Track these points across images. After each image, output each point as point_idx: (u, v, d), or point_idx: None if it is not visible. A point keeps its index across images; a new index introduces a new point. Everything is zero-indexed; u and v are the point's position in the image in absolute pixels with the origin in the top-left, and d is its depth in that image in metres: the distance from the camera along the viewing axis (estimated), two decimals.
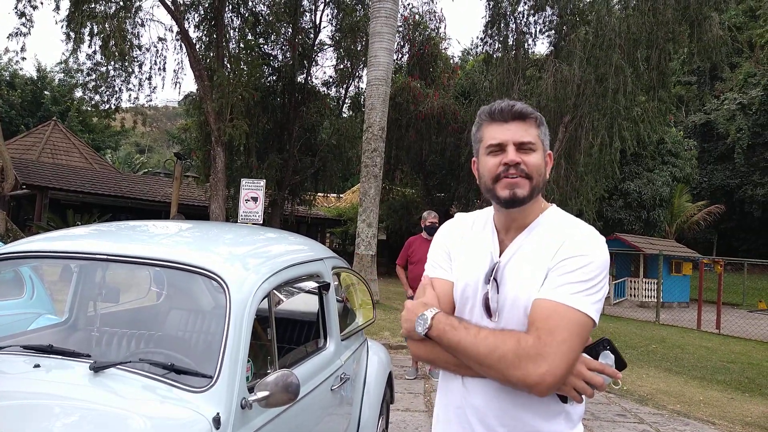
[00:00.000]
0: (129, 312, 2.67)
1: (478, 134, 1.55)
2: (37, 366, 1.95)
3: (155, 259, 2.21)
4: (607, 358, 1.42)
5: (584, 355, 1.40)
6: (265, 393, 1.91)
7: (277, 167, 17.72)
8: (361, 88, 20.42)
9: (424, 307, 1.50)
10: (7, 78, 32.24)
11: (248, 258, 2.47)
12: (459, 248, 1.62)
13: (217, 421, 1.80)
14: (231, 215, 16.57)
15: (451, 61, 22.71)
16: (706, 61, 13.92)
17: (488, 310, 1.48)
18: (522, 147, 1.46)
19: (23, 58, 37.44)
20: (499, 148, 1.47)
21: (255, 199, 11.59)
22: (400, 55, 19.87)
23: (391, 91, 13.15)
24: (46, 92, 33.34)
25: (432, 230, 6.47)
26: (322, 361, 2.66)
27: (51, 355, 2.03)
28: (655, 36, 12.11)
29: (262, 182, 11.54)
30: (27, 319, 3.59)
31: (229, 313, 2.03)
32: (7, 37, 14.12)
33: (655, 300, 15.40)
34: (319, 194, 23.23)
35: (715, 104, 31.40)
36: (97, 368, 1.92)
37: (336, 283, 3.22)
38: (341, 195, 28.08)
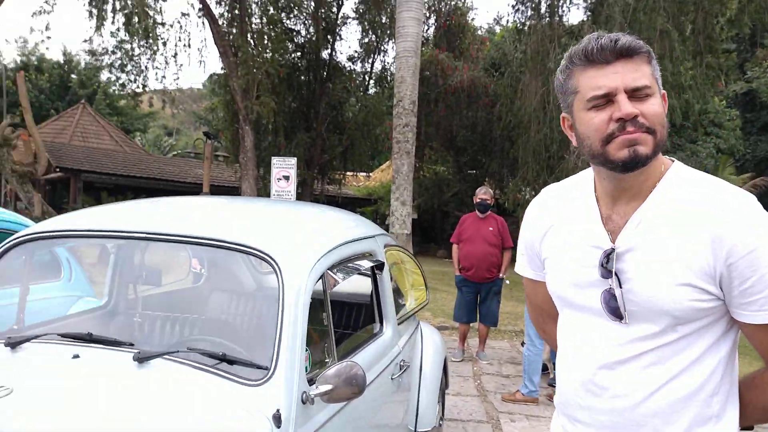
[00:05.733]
0: (172, 295, 2.48)
1: (569, 83, 1.19)
2: (76, 356, 1.76)
3: (196, 238, 1.99)
4: None
5: None
6: (328, 387, 1.69)
7: (305, 146, 17.49)
8: (387, 63, 19.94)
9: None
10: (35, 62, 32.53)
11: (297, 235, 2.26)
12: (552, 234, 1.33)
13: (277, 419, 1.59)
14: (263, 195, 16.46)
15: (479, 32, 22.01)
16: (758, 21, 13.05)
17: (613, 312, 1.19)
18: (636, 93, 1.11)
19: (48, 38, 37.88)
20: (606, 99, 1.12)
21: (287, 178, 11.45)
22: (426, 27, 19.27)
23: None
24: (73, 75, 33.58)
25: (483, 207, 6.05)
26: (380, 348, 2.43)
27: (91, 344, 1.84)
28: None
29: (293, 160, 11.36)
30: (66, 303, 3.46)
31: (283, 295, 1.81)
32: (32, 15, 14.11)
33: None
34: (348, 173, 22.96)
35: (756, 72, 30.01)
36: (141, 359, 1.72)
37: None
38: (370, 174, 27.76)
